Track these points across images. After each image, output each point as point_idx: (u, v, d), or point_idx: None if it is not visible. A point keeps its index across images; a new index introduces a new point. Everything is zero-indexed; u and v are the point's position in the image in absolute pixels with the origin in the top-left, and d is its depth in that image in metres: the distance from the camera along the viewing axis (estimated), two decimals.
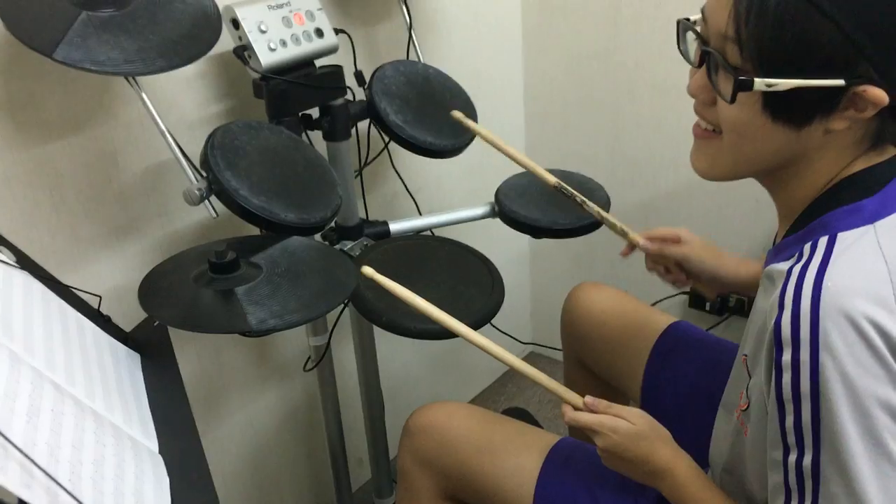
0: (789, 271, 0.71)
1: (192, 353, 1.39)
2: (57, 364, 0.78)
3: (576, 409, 0.95)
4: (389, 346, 1.70)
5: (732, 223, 1.76)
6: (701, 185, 1.78)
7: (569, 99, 1.91)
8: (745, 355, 0.81)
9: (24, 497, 0.59)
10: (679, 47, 0.83)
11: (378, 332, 1.51)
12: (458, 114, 1.24)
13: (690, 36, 0.80)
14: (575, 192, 1.25)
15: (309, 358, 1.44)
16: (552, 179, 1.26)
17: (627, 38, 1.75)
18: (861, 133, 0.74)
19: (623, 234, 1.23)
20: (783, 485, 0.72)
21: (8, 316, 0.77)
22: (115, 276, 1.24)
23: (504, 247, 1.91)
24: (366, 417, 1.60)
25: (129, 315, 1.06)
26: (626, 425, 0.91)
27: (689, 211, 1.83)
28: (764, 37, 0.70)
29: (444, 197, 1.81)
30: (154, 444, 0.82)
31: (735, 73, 0.72)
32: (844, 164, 0.75)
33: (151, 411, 0.87)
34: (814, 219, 0.76)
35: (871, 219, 0.72)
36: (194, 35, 1.03)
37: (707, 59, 0.76)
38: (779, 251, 0.79)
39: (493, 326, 1.69)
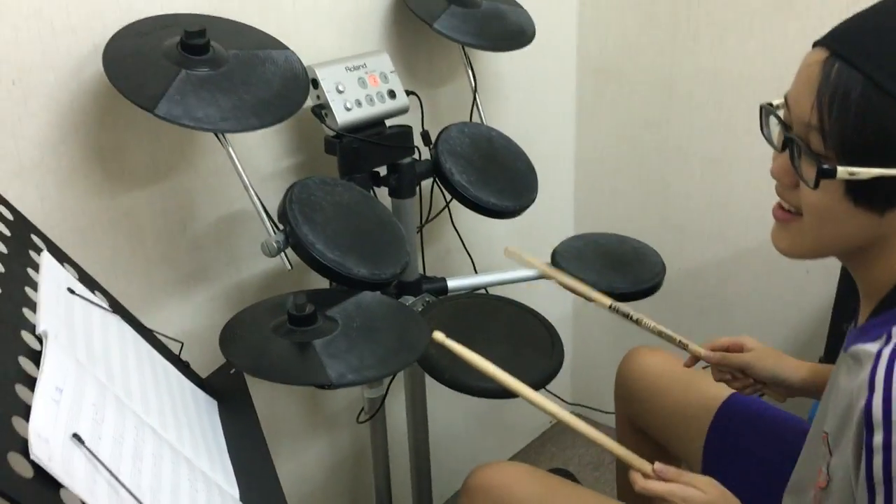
0: (879, 353, 0.73)
1: None
2: (151, 408, 0.81)
3: (645, 476, 0.96)
4: (434, 402, 1.71)
5: (782, 295, 1.77)
6: (750, 256, 1.81)
7: (620, 166, 1.95)
8: (826, 432, 0.82)
9: None
10: (762, 131, 0.85)
11: (426, 387, 1.53)
12: (511, 249, 1.29)
13: (773, 120, 0.83)
14: (631, 312, 1.26)
15: (362, 409, 1.46)
16: (606, 301, 1.28)
17: (681, 109, 1.79)
18: None
19: (683, 346, 1.22)
20: None
21: (108, 360, 0.80)
22: (184, 322, 1.27)
23: (548, 306, 1.92)
24: (412, 470, 1.61)
25: (198, 362, 1.09)
26: (699, 494, 0.91)
27: (737, 281, 1.84)
28: (846, 127, 0.72)
29: (498, 254, 1.82)
30: (235, 491, 0.84)
31: (818, 161, 0.74)
32: None
33: (230, 457, 0.89)
34: None
35: None
36: (284, 95, 1.07)
37: (790, 145, 0.79)
38: (863, 332, 0.80)
39: None
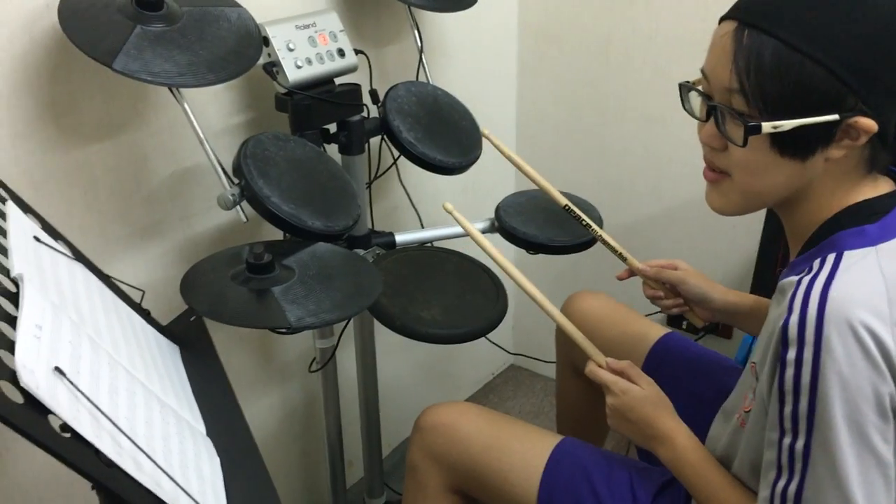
0: (799, 281, 0.81)
1: None
2: (121, 349, 0.84)
3: (598, 366, 1.08)
4: (382, 356, 1.78)
5: (710, 248, 1.88)
6: (681, 211, 1.90)
7: (559, 124, 2.02)
8: (754, 363, 0.91)
9: (118, 462, 0.66)
10: (684, 107, 0.93)
11: (375, 341, 1.59)
12: (486, 131, 1.38)
13: (692, 95, 0.90)
14: (582, 215, 1.34)
15: (314, 359, 1.51)
16: (562, 200, 1.36)
17: (617, 69, 1.87)
18: (856, 160, 0.85)
19: (623, 258, 1.32)
20: (776, 462, 0.82)
21: (77, 303, 0.84)
22: (138, 276, 1.30)
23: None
24: (362, 419, 1.67)
25: (154, 313, 1.12)
26: (636, 389, 1.02)
27: (669, 235, 1.94)
28: (765, 86, 0.80)
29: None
30: (202, 427, 0.89)
31: (744, 120, 0.82)
32: (846, 191, 0.86)
33: (195, 398, 0.94)
34: (822, 240, 0.86)
35: (874, 241, 0.82)
36: (239, 51, 1.10)
37: (714, 113, 0.86)
38: (791, 269, 0.89)
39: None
